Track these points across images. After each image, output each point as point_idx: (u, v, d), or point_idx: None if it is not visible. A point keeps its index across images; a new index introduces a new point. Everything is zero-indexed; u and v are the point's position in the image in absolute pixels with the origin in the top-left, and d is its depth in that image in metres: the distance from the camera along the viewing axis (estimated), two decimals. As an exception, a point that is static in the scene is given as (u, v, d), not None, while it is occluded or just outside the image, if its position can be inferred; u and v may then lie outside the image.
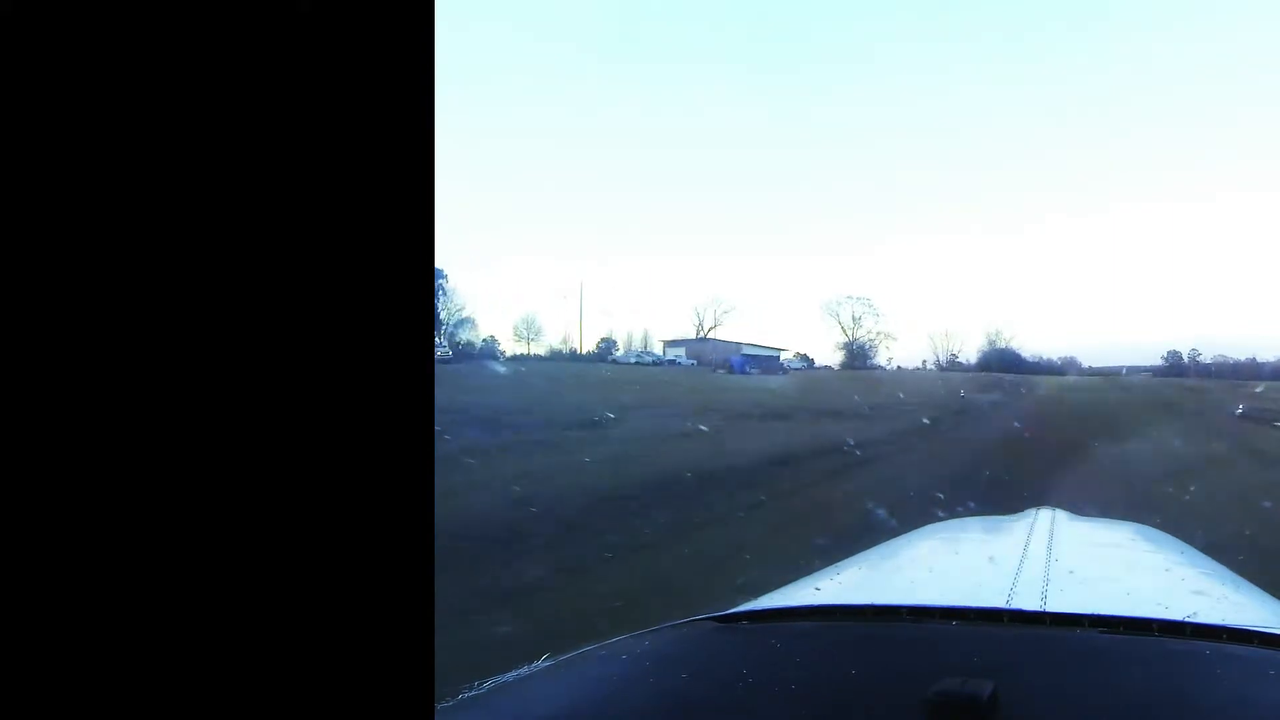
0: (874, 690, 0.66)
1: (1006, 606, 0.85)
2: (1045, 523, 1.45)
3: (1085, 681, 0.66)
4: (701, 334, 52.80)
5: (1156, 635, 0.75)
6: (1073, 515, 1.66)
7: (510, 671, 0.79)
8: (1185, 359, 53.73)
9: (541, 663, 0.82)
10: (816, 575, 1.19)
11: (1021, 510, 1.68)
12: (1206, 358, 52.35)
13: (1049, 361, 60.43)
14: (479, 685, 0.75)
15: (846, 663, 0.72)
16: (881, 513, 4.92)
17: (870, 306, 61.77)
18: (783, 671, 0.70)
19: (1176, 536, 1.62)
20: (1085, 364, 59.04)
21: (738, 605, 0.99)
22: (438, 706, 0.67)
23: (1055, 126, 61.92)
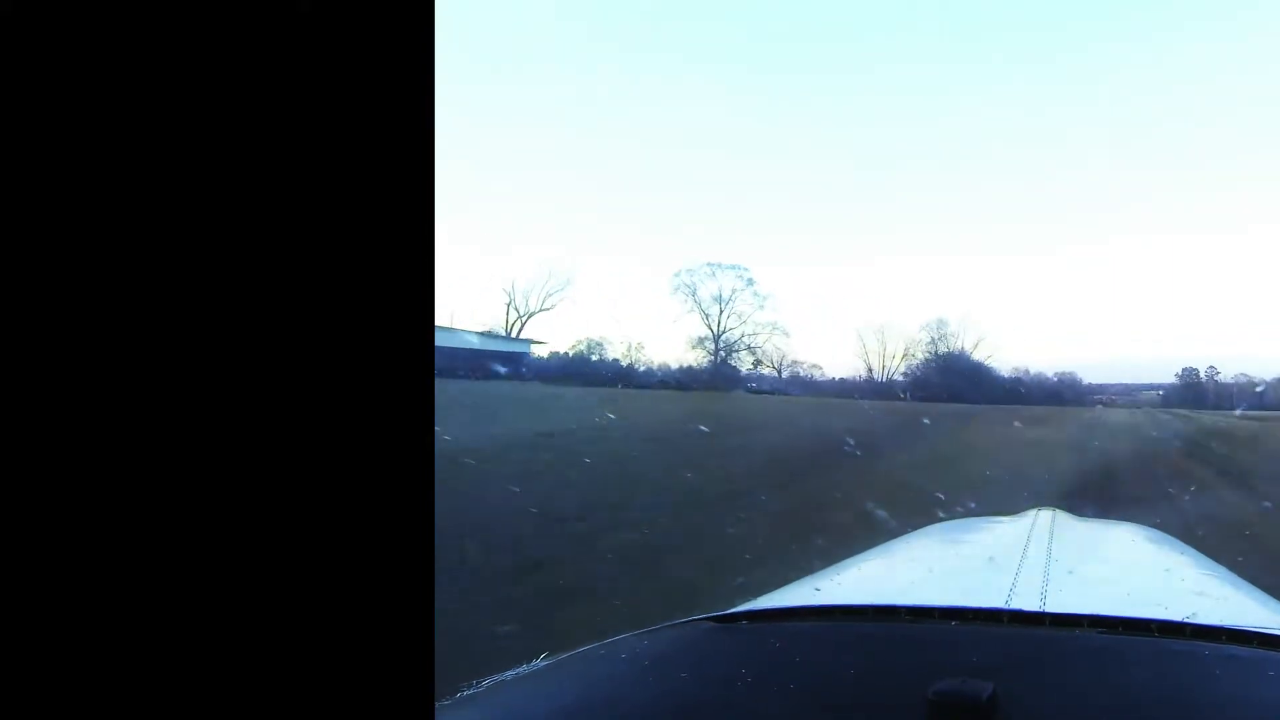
0: (873, 690, 0.66)
1: (1006, 607, 0.85)
2: (1045, 523, 1.45)
3: (1084, 682, 0.66)
4: (516, 324, 36.21)
5: (1156, 636, 0.75)
6: (1072, 515, 1.66)
7: (509, 670, 0.79)
8: (1203, 377, 46.41)
9: (540, 662, 0.82)
10: (816, 575, 1.19)
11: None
12: (1226, 376, 45.73)
13: (1038, 378, 44.78)
14: (478, 684, 0.75)
15: (846, 663, 0.72)
16: None
17: (745, 280, 39.57)
18: (782, 672, 0.70)
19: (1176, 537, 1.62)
20: (1086, 380, 47.23)
21: (737, 605, 0.99)
22: (438, 705, 0.67)
23: (1048, 109, 56.96)
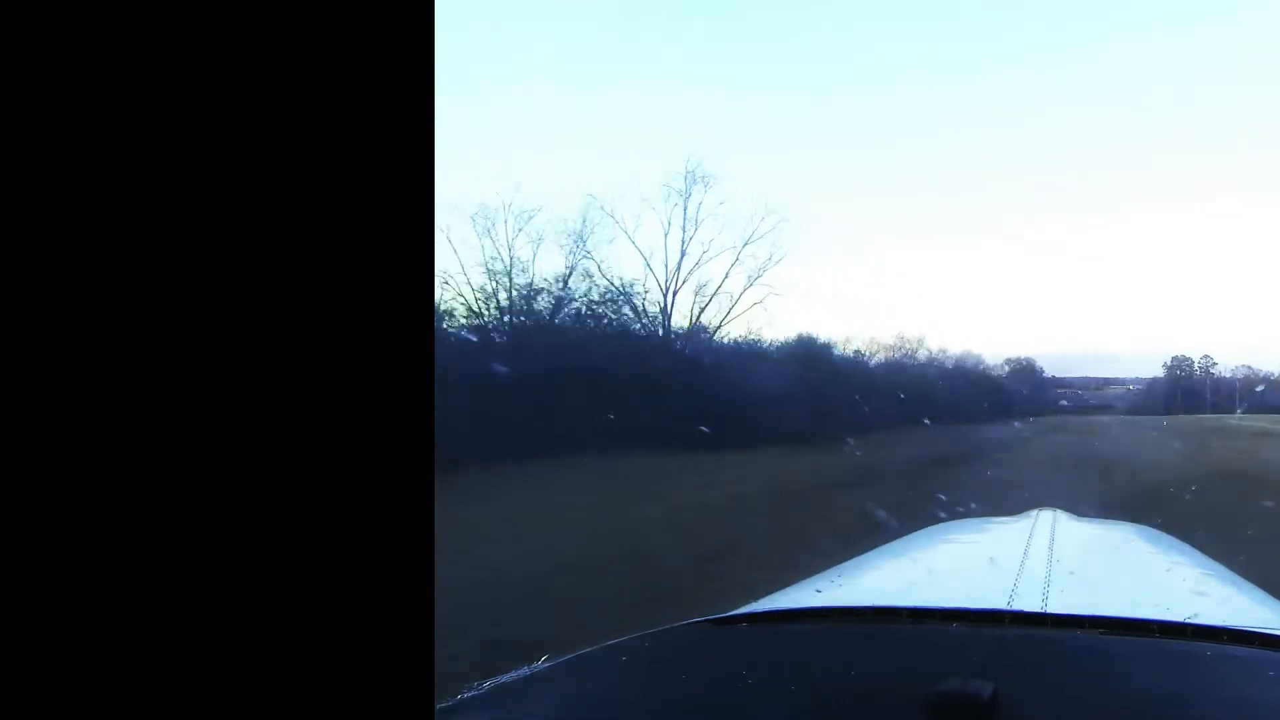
0: (874, 691, 0.66)
1: (1007, 608, 0.85)
2: (1046, 524, 1.45)
3: (1086, 682, 0.66)
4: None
5: (1157, 636, 0.75)
6: (1073, 516, 1.66)
7: (510, 672, 0.79)
8: (1196, 369, 40.35)
9: (541, 664, 0.82)
10: (816, 577, 1.19)
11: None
12: (1224, 370, 39.59)
13: (970, 362, 29.86)
14: (479, 686, 0.75)
15: (847, 664, 0.72)
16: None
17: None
18: (783, 673, 0.70)
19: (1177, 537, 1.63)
20: (1048, 372, 37.39)
21: (738, 607, 0.99)
22: (438, 706, 0.67)
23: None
